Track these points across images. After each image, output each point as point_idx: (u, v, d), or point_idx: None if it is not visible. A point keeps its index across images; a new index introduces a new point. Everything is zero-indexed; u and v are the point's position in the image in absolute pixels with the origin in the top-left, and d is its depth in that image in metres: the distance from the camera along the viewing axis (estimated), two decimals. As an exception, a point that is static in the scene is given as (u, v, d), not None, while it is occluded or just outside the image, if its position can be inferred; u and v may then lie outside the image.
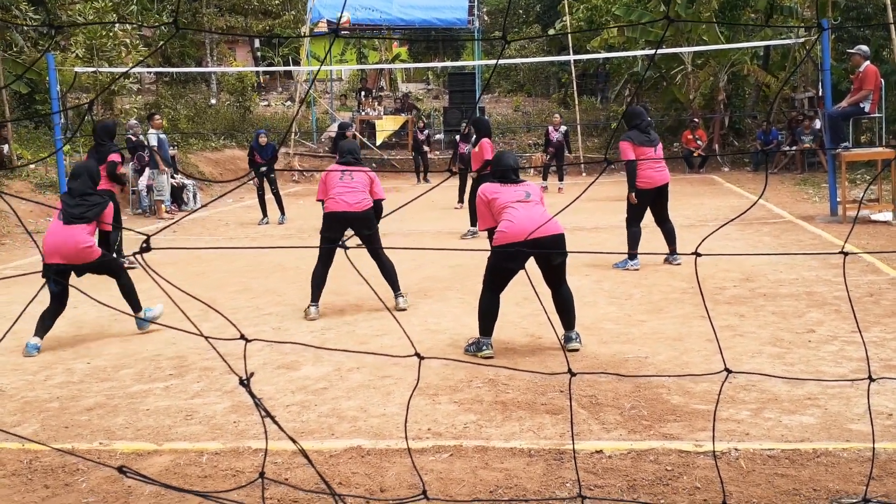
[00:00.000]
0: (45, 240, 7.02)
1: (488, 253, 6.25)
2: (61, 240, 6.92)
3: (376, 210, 7.84)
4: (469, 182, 13.08)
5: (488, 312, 6.28)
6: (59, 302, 7.00)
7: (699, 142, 22.54)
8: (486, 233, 6.60)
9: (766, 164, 20.48)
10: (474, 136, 17.11)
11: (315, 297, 7.76)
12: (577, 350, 6.27)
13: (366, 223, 7.71)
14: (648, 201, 9.44)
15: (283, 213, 15.55)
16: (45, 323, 6.92)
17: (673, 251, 9.61)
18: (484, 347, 6.24)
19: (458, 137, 16.91)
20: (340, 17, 24.80)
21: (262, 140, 15.48)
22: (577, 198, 2.39)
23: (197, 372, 6.11)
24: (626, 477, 4.05)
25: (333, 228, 7.70)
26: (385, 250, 7.84)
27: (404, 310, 7.78)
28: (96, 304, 7.72)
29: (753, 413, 4.87)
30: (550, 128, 18.89)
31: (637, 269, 9.30)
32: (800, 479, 3.95)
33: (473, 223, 12.34)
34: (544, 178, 19.49)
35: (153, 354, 6.63)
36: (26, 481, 4.24)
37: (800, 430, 4.59)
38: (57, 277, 6.84)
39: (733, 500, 3.74)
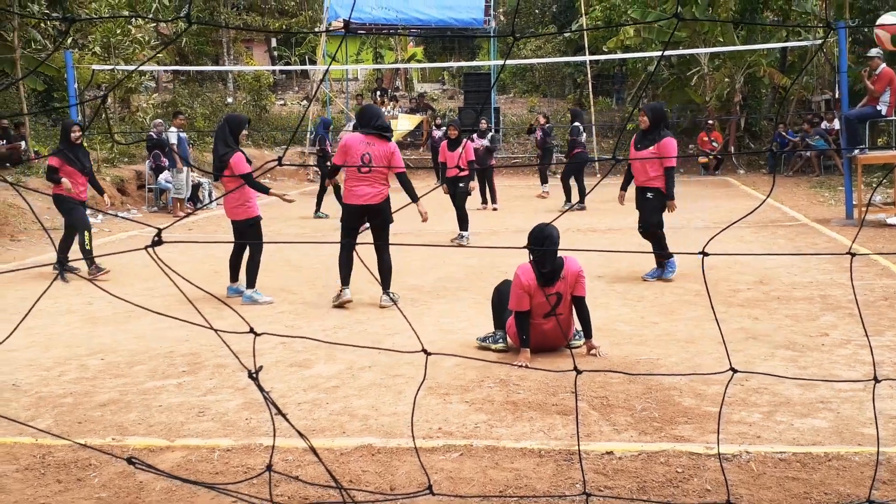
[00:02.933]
0: None
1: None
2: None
3: (403, 184, 8.05)
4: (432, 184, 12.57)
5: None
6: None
7: (715, 143, 22.47)
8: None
9: (774, 165, 20.30)
10: (490, 134, 16.78)
11: (345, 280, 8.04)
12: (577, 347, 6.36)
13: (380, 214, 7.92)
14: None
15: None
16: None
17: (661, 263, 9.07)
18: (500, 340, 6.45)
19: (474, 136, 16.46)
20: (351, 14, 24.78)
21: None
22: (572, 205, 2.39)
23: (210, 369, 6.14)
24: (636, 478, 4.04)
25: (351, 218, 8.01)
26: (391, 247, 8.03)
27: (385, 307, 7.92)
28: (112, 301, 7.79)
29: (765, 416, 4.86)
30: (537, 128, 17.97)
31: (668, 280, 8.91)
32: (811, 482, 3.94)
33: (463, 227, 12.20)
34: (543, 182, 18.33)
35: (167, 351, 6.67)
36: (39, 476, 4.27)
37: (811, 433, 4.57)
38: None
39: (743, 502, 3.73)
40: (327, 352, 6.42)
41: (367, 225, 8.11)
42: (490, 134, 17.07)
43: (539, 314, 6.08)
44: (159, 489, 4.05)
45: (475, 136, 16.43)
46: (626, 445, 4.45)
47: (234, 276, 8.73)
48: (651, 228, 8.87)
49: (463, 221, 12.08)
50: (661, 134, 8.72)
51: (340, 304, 8.02)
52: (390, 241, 7.86)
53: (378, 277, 7.93)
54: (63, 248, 9.94)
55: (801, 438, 4.50)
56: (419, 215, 8.15)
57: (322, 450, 4.50)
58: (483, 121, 17.57)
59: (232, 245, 8.75)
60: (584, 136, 16.41)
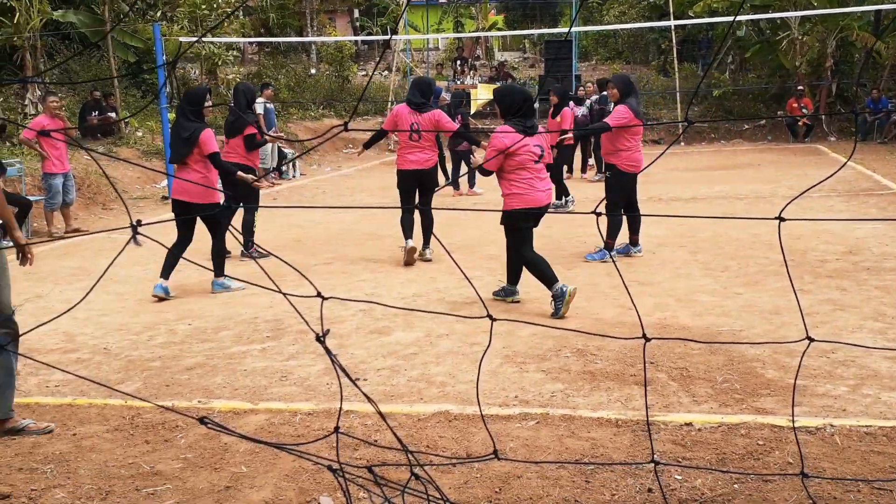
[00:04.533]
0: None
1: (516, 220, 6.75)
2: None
3: (462, 136, 9.57)
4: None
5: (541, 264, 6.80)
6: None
7: (805, 110, 21.80)
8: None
9: (866, 129, 19.55)
10: (589, 101, 16.41)
11: (408, 234, 8.70)
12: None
13: (430, 178, 8.61)
14: (631, 186, 8.37)
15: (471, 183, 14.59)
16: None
17: (635, 241, 8.67)
18: (513, 293, 7.04)
19: (571, 104, 15.87)
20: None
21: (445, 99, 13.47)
22: (648, 165, 2.35)
23: (293, 335, 6.26)
24: (715, 450, 3.99)
25: (406, 182, 8.69)
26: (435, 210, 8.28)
27: (429, 260, 8.75)
28: (199, 268, 7.99)
29: (852, 389, 4.74)
30: (587, 98, 16.51)
31: (605, 262, 8.42)
32: (897, 457, 3.84)
33: (559, 196, 12.09)
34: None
35: (251, 317, 6.82)
36: (128, 436, 4.43)
37: (900, 407, 4.44)
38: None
39: (826, 475, 3.65)
40: (406, 319, 6.48)
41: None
42: (589, 101, 16.41)
43: (530, 164, 6.62)
44: (243, 451, 4.16)
45: (572, 103, 15.89)
46: (705, 417, 4.40)
47: (219, 270, 7.88)
48: (606, 207, 8.29)
49: (558, 192, 11.97)
50: (620, 102, 8.31)
51: (409, 260, 8.59)
52: (473, 209, 7.88)
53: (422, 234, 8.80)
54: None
55: (888, 412, 4.38)
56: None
57: (399, 415, 4.56)
58: (581, 88, 17.14)
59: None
60: (612, 106, 15.67)
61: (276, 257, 2.63)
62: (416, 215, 8.91)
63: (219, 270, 7.81)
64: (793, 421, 3.79)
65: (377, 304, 2.72)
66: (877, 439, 4.04)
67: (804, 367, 5.04)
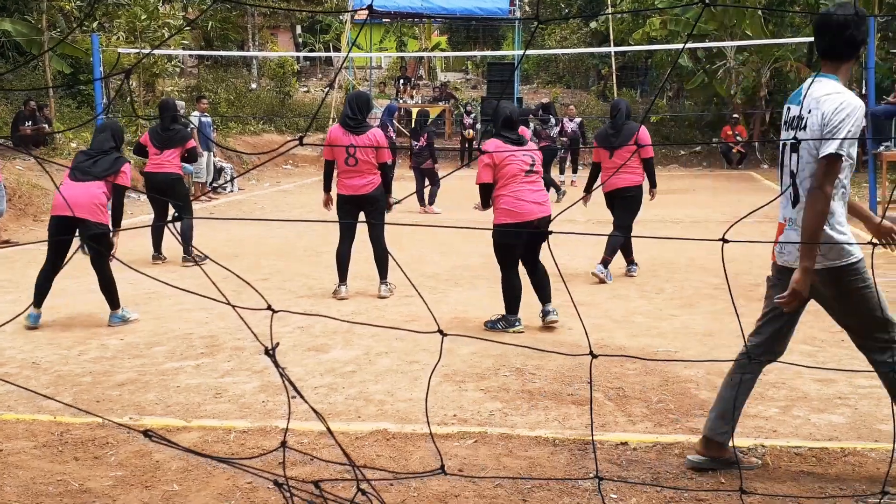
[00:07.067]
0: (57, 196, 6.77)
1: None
2: (75, 193, 6.69)
3: (385, 178, 7.79)
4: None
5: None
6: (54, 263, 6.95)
7: (739, 138, 22.31)
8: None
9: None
10: (580, 119, 17.97)
11: (342, 277, 7.97)
12: (555, 321, 6.67)
13: (373, 204, 7.77)
14: (610, 204, 8.80)
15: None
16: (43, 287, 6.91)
17: (629, 261, 9.01)
18: (516, 323, 6.65)
19: (564, 120, 17.65)
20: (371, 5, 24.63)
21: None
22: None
23: (228, 351, 6.17)
24: (650, 469, 4.04)
25: (346, 209, 7.86)
26: (388, 232, 7.98)
27: (385, 297, 7.87)
28: (131, 282, 7.82)
29: (782, 410, 4.83)
30: (565, 119, 17.90)
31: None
32: (826, 477, 3.92)
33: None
34: (561, 172, 18.43)
35: (185, 333, 6.71)
36: (57, 453, 4.32)
37: (828, 428, 4.55)
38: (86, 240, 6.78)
39: (757, 496, 3.71)
40: (345, 337, 6.44)
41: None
42: (580, 119, 18.18)
43: (519, 176, 6.51)
44: (175, 468, 4.08)
45: (565, 119, 17.57)
46: (640, 436, 4.44)
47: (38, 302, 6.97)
48: None
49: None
50: None
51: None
52: (442, 224, 7.76)
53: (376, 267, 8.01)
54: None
55: (817, 433, 4.48)
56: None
57: (337, 434, 4.52)
58: (571, 106, 18.86)
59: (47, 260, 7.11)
60: (553, 131, 16.85)
61: (221, 265, 2.60)
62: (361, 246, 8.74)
63: (116, 302, 7.02)
64: (732, 443, 3.85)
65: (330, 318, 2.70)
66: (806, 460, 4.13)
67: (737, 388, 5.12)
